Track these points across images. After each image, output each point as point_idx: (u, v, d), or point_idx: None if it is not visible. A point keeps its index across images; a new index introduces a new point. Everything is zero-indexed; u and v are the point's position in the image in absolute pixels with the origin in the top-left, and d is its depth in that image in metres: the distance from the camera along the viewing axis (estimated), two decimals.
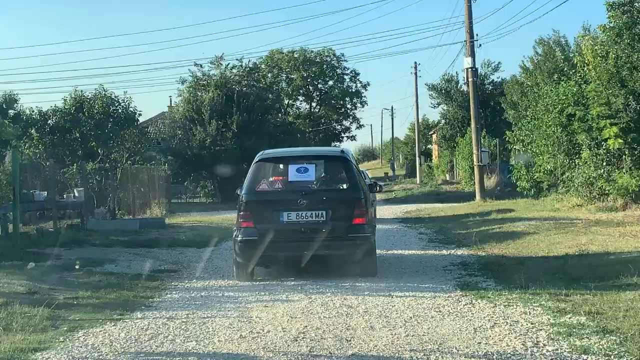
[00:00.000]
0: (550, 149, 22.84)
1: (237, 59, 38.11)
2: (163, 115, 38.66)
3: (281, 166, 11.11)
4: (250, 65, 38.09)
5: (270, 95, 38.63)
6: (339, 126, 77.15)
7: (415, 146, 55.36)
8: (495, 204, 27.53)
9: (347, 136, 77.58)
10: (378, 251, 11.52)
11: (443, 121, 50.94)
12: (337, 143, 77.75)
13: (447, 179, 50.06)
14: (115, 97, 20.11)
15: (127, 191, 22.92)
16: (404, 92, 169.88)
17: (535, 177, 24.70)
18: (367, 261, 10.17)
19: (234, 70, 37.62)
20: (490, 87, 48.88)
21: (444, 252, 13.97)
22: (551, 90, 23.74)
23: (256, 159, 10.71)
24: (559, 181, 24.23)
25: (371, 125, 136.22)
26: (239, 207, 10.07)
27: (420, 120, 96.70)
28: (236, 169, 36.40)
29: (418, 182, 52.40)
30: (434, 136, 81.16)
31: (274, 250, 9.67)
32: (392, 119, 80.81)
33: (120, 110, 20.23)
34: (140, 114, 21.98)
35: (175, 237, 17.59)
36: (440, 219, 22.75)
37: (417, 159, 54.02)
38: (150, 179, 25.72)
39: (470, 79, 28.46)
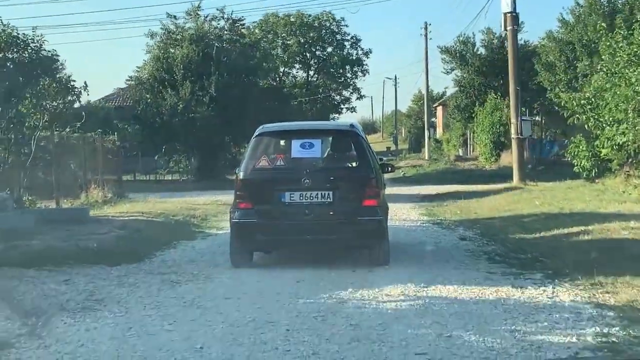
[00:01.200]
0: (631, 115, 16.10)
1: (217, 9, 31.18)
2: (121, 90, 31.52)
3: (283, 142, 9.82)
4: (234, 17, 31.14)
5: (257, 54, 31.73)
6: (338, 96, 70.27)
7: (424, 116, 48.62)
8: (541, 188, 20.99)
9: (346, 107, 70.76)
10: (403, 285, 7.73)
11: (456, 89, 44.08)
12: (336, 115, 71.08)
13: (460, 154, 43.39)
14: (17, 35, 13.52)
15: (49, 169, 16.25)
16: (408, 59, 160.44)
17: (603, 153, 17.98)
18: (378, 248, 9.07)
19: (214, 23, 30.76)
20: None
21: (530, 291, 7.35)
22: (629, 34, 16.98)
23: (256, 133, 9.57)
24: (632, 160, 17.70)
25: (372, 97, 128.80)
26: (236, 186, 9.16)
27: (423, 92, 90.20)
28: (216, 141, 29.82)
29: (426, 157, 45.77)
30: (439, 109, 74.85)
31: (275, 234, 8.80)
32: (396, 88, 73.97)
33: (27, 54, 13.61)
34: (57, 58, 15.11)
35: (81, 244, 10.95)
36: (486, 217, 16.16)
37: (426, 132, 47.30)
38: (90, 153, 19.02)
39: (509, 27, 21.70)
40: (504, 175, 28.57)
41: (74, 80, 15.91)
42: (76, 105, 16.35)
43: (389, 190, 23.87)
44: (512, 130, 22.50)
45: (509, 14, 21.57)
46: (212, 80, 29.23)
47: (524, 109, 35.64)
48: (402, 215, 16.75)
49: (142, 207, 17.50)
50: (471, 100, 41.80)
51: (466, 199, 19.97)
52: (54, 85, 15.09)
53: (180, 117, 29.00)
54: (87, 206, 15.74)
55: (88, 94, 25.03)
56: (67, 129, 18.27)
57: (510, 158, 33.51)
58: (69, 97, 15.15)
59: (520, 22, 25.89)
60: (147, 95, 30.42)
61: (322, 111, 68.38)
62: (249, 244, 9.14)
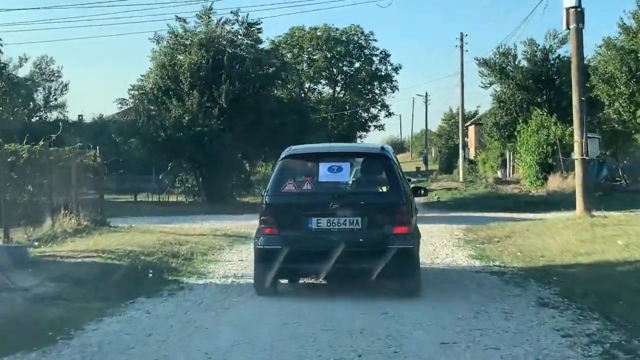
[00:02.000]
0: None
1: (231, 11, 27.39)
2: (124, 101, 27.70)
3: (311, 164, 9.11)
4: (249, 21, 27.40)
5: (275, 61, 27.95)
6: (366, 114, 66.44)
7: (459, 133, 44.38)
8: (614, 220, 16.82)
9: (374, 125, 66.91)
10: None
11: (492, 106, 39.89)
12: (363, 133, 67.27)
13: (499, 176, 39.16)
14: None
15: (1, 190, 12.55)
16: (439, 74, 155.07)
17: None
18: (409, 278, 8.59)
19: (227, 27, 27.03)
20: (557, 63, 37.77)
21: None
22: None
23: (283, 155, 9.12)
24: None
25: (400, 116, 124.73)
26: (261, 211, 8.74)
27: (454, 110, 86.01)
28: (226, 158, 26.05)
29: (461, 179, 41.60)
30: (471, 128, 70.83)
31: (301, 261, 8.37)
32: (426, 106, 69.86)
33: None
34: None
35: None
36: (560, 264, 12.01)
37: (460, 151, 43.09)
38: (60, 171, 15.32)
39: (572, 25, 17.62)
40: (555, 202, 24.39)
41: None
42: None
43: (424, 220, 20.03)
44: (576, 150, 18.33)
45: (573, 9, 17.52)
46: (223, 90, 25.49)
47: (570, 127, 31.57)
48: (444, 257, 12.73)
49: (114, 240, 13.68)
50: (512, 117, 37.59)
51: (523, 234, 15.89)
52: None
53: (186, 131, 25.28)
54: (26, 244, 11.89)
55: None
56: (41, 143, 14.70)
57: (558, 182, 29.41)
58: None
59: (567, 33, 22.22)
60: (151, 107, 26.79)
61: (349, 129, 64.66)
62: (273, 271, 8.53)
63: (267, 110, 26.13)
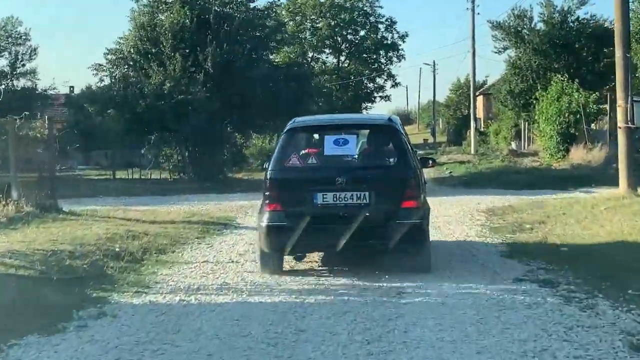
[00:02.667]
0: None
1: None
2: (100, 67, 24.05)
3: (316, 137, 9.02)
4: None
5: (268, 21, 24.62)
6: (371, 84, 63.07)
7: (470, 103, 41.02)
8: None
9: (380, 96, 63.65)
10: None
11: (504, 73, 36.43)
12: (369, 104, 64.02)
13: (514, 148, 35.87)
14: None
15: None
16: (447, 41, 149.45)
17: None
18: (419, 254, 8.18)
19: None
20: (576, 26, 34.30)
21: None
22: None
23: (287, 127, 8.69)
24: None
25: (406, 87, 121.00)
26: (264, 186, 8.23)
27: (462, 80, 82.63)
28: (214, 131, 22.94)
29: (472, 152, 38.34)
30: (479, 99, 67.56)
31: (306, 238, 7.87)
32: (434, 75, 66.24)
33: None
34: None
35: None
36: (610, 257, 8.90)
37: (472, 121, 39.75)
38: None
39: None
40: (584, 177, 21.21)
41: None
42: None
43: (436, 200, 16.94)
44: (620, 116, 15.12)
45: None
46: (209, 53, 22.23)
47: (594, 94, 28.30)
48: (469, 256, 9.67)
49: (47, 234, 10.57)
50: (528, 84, 34.23)
51: (559, 219, 12.78)
52: None
53: (168, 100, 22.09)
54: None
55: None
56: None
57: (582, 154, 26.14)
58: None
59: None
60: (130, 73, 23.60)
61: (354, 100, 61.42)
62: (278, 249, 8.15)
63: (259, 76, 22.88)
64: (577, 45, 33.44)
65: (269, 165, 8.31)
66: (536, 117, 29.64)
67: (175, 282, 8.26)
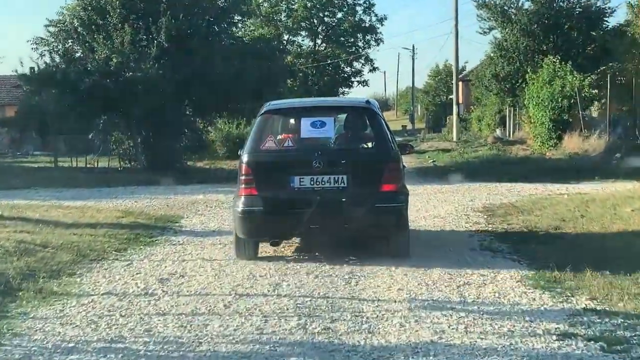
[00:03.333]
0: None
1: None
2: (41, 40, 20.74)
3: (292, 120, 8.52)
4: None
5: None
6: (349, 68, 60.14)
7: (453, 87, 38.24)
8: None
9: (358, 81, 60.75)
10: None
11: (495, 54, 33.65)
12: (346, 90, 61.09)
13: (499, 135, 33.20)
14: None
15: None
16: (426, 23, 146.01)
17: None
18: (398, 238, 7.82)
19: None
20: (566, 5, 31.67)
21: None
22: None
23: (261, 110, 8.28)
24: None
25: (384, 72, 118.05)
26: (239, 170, 7.80)
27: (441, 66, 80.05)
28: (169, 114, 19.94)
29: (454, 139, 35.64)
30: (459, 85, 65.19)
31: (283, 223, 7.66)
32: (413, 59, 64.20)
33: None
34: None
35: None
36: None
37: (455, 107, 36.92)
38: None
39: None
40: (583, 168, 18.58)
41: None
42: None
43: (421, 195, 14.16)
44: None
45: None
46: (162, 25, 19.15)
47: (589, 76, 25.65)
48: (479, 285, 6.87)
49: None
50: (515, 67, 31.59)
51: (577, 223, 10.05)
52: None
53: (115, 78, 19.00)
54: None
55: None
56: None
57: (577, 142, 23.50)
58: None
59: None
60: (75, 48, 20.45)
61: (330, 85, 58.52)
62: (254, 235, 7.83)
63: (221, 52, 19.88)
64: (567, 26, 30.81)
65: (243, 149, 7.87)
66: (525, 102, 26.91)
67: (44, 334, 5.36)
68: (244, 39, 22.32)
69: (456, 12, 35.83)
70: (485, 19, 33.03)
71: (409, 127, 61.07)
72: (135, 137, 20.70)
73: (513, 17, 31.82)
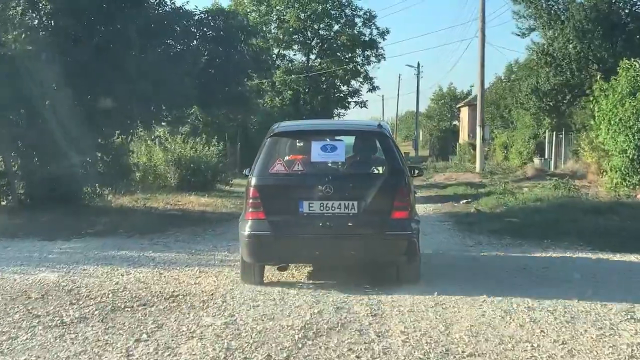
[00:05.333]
0: None
1: None
2: None
3: (302, 143, 8.29)
4: None
5: None
6: (345, 87, 52.49)
7: (478, 103, 30.14)
8: None
9: (355, 101, 53.02)
10: None
11: (535, 62, 25.92)
12: (342, 111, 53.37)
13: (539, 166, 25.34)
14: None
15: None
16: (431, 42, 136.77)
17: None
18: (408, 265, 7.47)
19: None
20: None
21: None
22: None
23: (270, 132, 7.88)
24: None
25: (382, 96, 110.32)
26: (246, 193, 7.51)
27: (445, 90, 72.80)
28: (62, 127, 11.96)
29: (478, 169, 27.78)
30: (464, 110, 58.18)
31: (291, 248, 7.30)
32: (418, 79, 55.58)
33: None
34: None
35: None
36: None
37: (478, 130, 28.95)
38: None
39: None
40: None
41: None
42: None
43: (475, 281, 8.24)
44: None
45: None
46: None
47: None
48: None
49: None
50: (563, 78, 23.92)
51: None
52: None
53: None
54: None
55: None
56: None
57: None
58: None
59: None
60: None
61: (325, 104, 50.89)
62: (261, 259, 7.49)
63: (145, 24, 12.00)
64: (630, 27, 23.22)
65: (251, 171, 7.47)
66: (596, 122, 18.93)
67: None
68: (194, 11, 14.52)
69: (483, 11, 27.99)
70: (524, 17, 25.42)
71: (412, 154, 53.37)
72: (8, 159, 12.67)
73: (561, 15, 24.21)
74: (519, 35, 25.44)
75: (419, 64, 55.10)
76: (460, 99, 66.90)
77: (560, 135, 25.33)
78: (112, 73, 11.80)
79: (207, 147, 19.65)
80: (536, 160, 25.92)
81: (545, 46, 24.46)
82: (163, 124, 15.13)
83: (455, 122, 65.34)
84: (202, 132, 23.11)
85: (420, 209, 15.80)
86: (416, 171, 8.48)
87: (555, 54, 23.85)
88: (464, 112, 58.37)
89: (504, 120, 38.46)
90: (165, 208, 14.43)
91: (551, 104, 24.79)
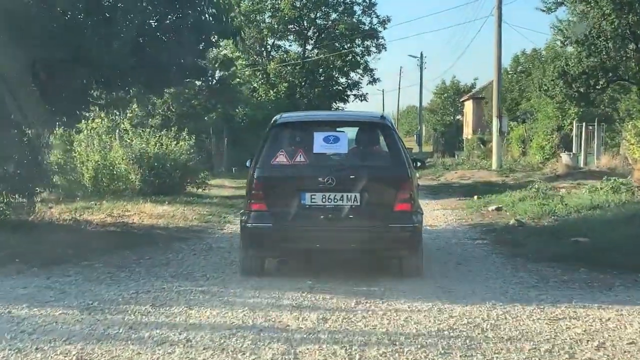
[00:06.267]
0: None
1: None
2: None
3: (304, 134, 7.58)
4: None
5: None
6: (344, 79, 48.75)
7: (493, 90, 26.21)
8: None
9: (355, 94, 49.24)
10: None
11: (563, 42, 22.18)
12: (341, 104, 49.63)
13: (569, 162, 21.61)
14: None
15: None
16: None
17: None
18: (411, 258, 7.17)
19: None
20: None
21: None
22: None
23: (273, 122, 7.70)
24: None
25: (383, 90, 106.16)
26: (249, 185, 7.29)
27: (448, 83, 69.52)
28: None
29: (495, 166, 24.09)
30: (468, 104, 55.10)
31: (292, 241, 7.09)
32: (421, 70, 51.66)
33: None
34: None
35: None
36: None
37: (495, 121, 25.05)
38: None
39: None
40: None
41: None
42: None
43: None
44: None
45: None
46: None
47: None
48: None
49: None
50: (598, 60, 20.22)
51: None
52: None
53: None
54: None
55: None
56: None
57: None
58: None
59: None
60: None
61: (322, 97, 47.21)
62: (262, 251, 7.31)
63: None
64: None
65: (254, 163, 7.24)
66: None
67: None
68: None
69: None
70: None
71: (416, 149, 49.66)
72: None
73: None
74: (543, 10, 21.60)
75: (422, 55, 51.16)
76: (464, 92, 63.45)
77: (591, 127, 21.63)
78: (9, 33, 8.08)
79: (176, 143, 16.00)
80: (564, 156, 22.18)
81: (570, 25, 20.71)
82: (94, 110, 11.35)
83: (459, 117, 62.00)
84: (176, 124, 19.42)
85: (439, 217, 12.22)
86: (418, 163, 8.20)
87: (587, 33, 20.12)
88: (468, 106, 55.26)
89: (512, 113, 34.92)
90: (104, 222, 10.70)
91: (582, 90, 21.08)
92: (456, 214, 12.52)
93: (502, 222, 10.95)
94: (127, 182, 15.63)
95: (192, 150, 16.08)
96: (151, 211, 11.90)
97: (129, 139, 15.60)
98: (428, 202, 14.94)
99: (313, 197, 7.00)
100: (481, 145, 36.71)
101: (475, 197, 15.55)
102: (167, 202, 13.09)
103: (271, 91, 45.37)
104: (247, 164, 7.54)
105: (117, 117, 17.72)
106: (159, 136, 15.73)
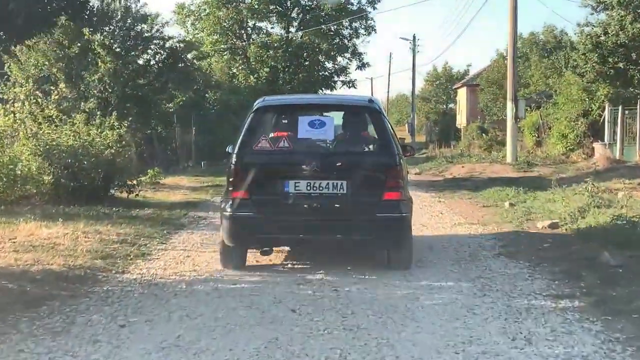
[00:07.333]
0: None
1: None
2: None
3: (288, 118, 7.49)
4: None
5: None
6: (331, 63, 44.42)
7: (508, 73, 21.76)
8: None
9: (342, 80, 44.88)
10: None
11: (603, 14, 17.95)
12: (327, 91, 45.39)
13: (609, 154, 17.42)
14: None
15: None
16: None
17: None
18: (399, 249, 6.87)
19: None
20: None
21: None
22: None
23: (255, 106, 7.26)
24: None
25: (371, 79, 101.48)
26: (228, 172, 6.90)
27: (440, 70, 65.71)
28: None
29: (510, 159, 19.89)
30: (461, 92, 51.62)
31: (275, 230, 6.70)
32: (414, 54, 47.20)
33: None
34: None
35: None
36: None
37: (509, 104, 20.74)
38: None
39: None
40: None
41: None
42: None
43: None
44: None
45: None
46: None
47: None
48: None
49: None
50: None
51: None
52: None
53: None
54: None
55: None
56: None
57: None
58: None
59: None
60: None
61: (307, 84, 42.97)
62: (243, 242, 6.93)
63: None
64: None
65: (234, 149, 6.81)
66: None
67: None
68: None
69: None
70: None
71: (408, 140, 45.55)
72: None
73: None
74: None
75: (414, 37, 46.86)
76: (457, 79, 59.60)
77: (633, 111, 17.47)
78: None
79: (100, 130, 11.69)
80: (598, 147, 17.95)
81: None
82: None
83: (452, 105, 58.20)
84: (116, 109, 15.04)
85: (464, 245, 8.03)
86: (409, 149, 7.99)
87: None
88: (462, 94, 51.79)
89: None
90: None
91: (621, 65, 16.87)
92: (492, 236, 8.24)
93: (584, 256, 6.66)
94: (40, 185, 11.36)
95: (122, 142, 11.73)
96: (26, 238, 7.53)
97: (31, 125, 11.26)
98: (441, 211, 10.80)
99: (297, 184, 6.64)
100: (482, 134, 32.68)
101: (507, 203, 11.32)
102: (61, 220, 8.67)
103: (251, 77, 41.14)
104: (228, 149, 7.15)
105: (40, 100, 13.44)
106: (74, 123, 11.38)
